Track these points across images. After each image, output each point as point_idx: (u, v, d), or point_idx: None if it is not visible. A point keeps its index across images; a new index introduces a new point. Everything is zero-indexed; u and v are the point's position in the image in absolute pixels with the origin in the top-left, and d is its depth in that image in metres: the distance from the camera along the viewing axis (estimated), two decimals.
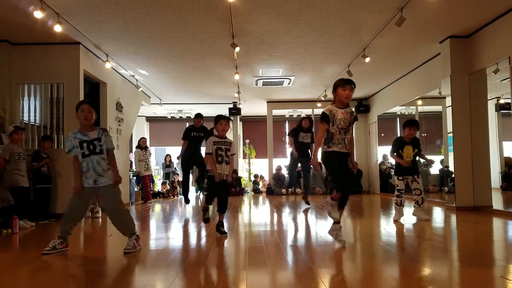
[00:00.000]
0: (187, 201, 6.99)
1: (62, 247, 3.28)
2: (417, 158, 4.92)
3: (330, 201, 3.32)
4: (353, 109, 3.34)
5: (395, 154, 4.84)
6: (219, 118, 3.85)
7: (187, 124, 13.23)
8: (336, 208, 3.31)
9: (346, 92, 3.23)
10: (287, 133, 7.30)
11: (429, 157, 5.50)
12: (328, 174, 3.57)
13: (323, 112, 3.30)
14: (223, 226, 3.94)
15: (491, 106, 8.00)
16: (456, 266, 2.72)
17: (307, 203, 6.80)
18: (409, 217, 4.94)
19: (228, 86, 8.96)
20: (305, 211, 6.19)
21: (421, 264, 2.73)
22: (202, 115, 7.01)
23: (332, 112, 3.28)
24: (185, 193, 7.00)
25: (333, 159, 3.28)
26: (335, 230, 3.34)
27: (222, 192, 3.94)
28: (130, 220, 3.41)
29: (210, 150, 3.83)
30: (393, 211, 4.99)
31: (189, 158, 6.79)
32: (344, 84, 3.24)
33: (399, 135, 4.95)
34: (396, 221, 4.71)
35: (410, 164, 4.70)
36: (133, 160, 9.81)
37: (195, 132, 6.87)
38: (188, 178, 7.01)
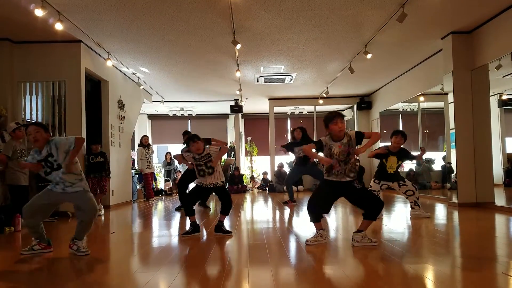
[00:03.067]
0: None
1: (40, 248, 3.16)
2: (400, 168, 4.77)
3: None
4: (350, 134, 3.21)
5: (374, 156, 4.71)
6: (190, 140, 3.84)
7: (189, 122, 13.27)
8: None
9: (338, 126, 3.15)
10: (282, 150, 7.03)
11: (431, 153, 5.47)
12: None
13: (319, 140, 3.29)
14: (224, 225, 3.93)
15: (493, 102, 7.95)
16: (458, 262, 2.72)
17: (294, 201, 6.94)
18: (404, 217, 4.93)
19: (229, 83, 8.95)
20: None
21: (424, 261, 2.73)
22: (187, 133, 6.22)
23: (328, 146, 3.22)
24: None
25: (326, 187, 3.29)
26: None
27: (221, 197, 3.96)
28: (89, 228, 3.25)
29: (190, 161, 3.89)
30: (395, 208, 4.97)
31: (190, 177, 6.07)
32: (333, 119, 3.17)
33: (387, 144, 4.76)
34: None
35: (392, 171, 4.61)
36: (135, 158, 9.83)
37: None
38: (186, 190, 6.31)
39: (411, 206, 4.82)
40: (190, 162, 3.91)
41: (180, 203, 6.41)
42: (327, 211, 3.37)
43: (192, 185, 6.58)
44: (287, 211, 6.11)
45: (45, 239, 3.22)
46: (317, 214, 3.32)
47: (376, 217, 3.25)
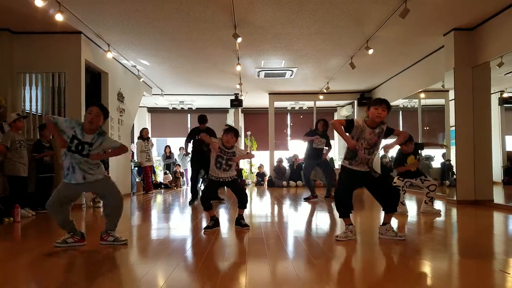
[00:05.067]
0: (192, 201, 6.35)
1: (74, 241, 3.11)
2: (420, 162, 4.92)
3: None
4: (384, 126, 3.18)
5: (399, 166, 4.80)
6: (227, 130, 3.84)
7: (189, 116, 13.25)
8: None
9: (378, 111, 3.09)
10: (304, 135, 6.83)
11: (430, 151, 5.47)
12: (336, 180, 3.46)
13: (352, 119, 3.21)
14: (243, 218, 3.95)
15: (494, 99, 7.96)
16: (456, 259, 2.72)
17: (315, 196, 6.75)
18: (412, 211, 4.94)
19: (229, 77, 8.92)
20: (311, 202, 6.22)
21: (422, 257, 2.73)
22: (206, 119, 6.33)
23: (361, 128, 3.15)
24: (193, 195, 6.42)
25: (348, 176, 3.23)
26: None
27: (236, 191, 3.95)
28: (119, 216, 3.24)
29: (212, 147, 3.81)
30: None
31: (197, 161, 6.35)
32: (376, 104, 3.12)
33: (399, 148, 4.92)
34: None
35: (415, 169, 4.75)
36: (134, 150, 9.82)
37: (199, 134, 6.23)
38: (197, 181, 6.63)
39: (425, 201, 4.87)
40: (211, 147, 3.80)
41: (191, 196, 6.42)
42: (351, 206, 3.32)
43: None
44: (286, 206, 6.12)
45: (78, 232, 3.16)
46: (346, 209, 3.27)
47: (396, 208, 3.27)
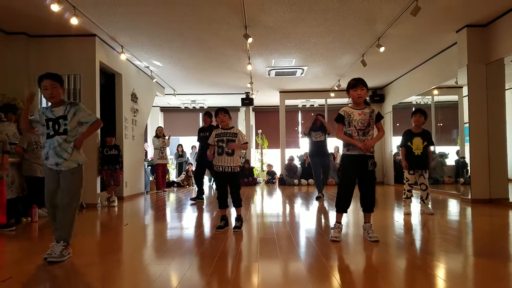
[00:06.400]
0: (195, 199, 6.52)
1: (68, 253, 2.80)
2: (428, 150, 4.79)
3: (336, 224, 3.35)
4: (374, 108, 3.30)
5: (403, 147, 4.76)
6: (215, 114, 3.87)
7: (200, 115, 13.34)
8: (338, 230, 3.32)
9: (357, 92, 3.21)
10: (301, 132, 6.96)
11: (444, 148, 5.35)
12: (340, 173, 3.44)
13: (338, 113, 3.32)
14: (238, 220, 3.92)
15: (509, 96, 7.80)
16: (470, 260, 2.71)
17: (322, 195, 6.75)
18: (417, 211, 4.90)
19: (241, 76, 8.96)
20: (320, 200, 6.23)
21: (435, 258, 2.73)
22: (210, 113, 6.26)
23: (348, 113, 3.26)
24: (199, 192, 6.52)
25: (347, 164, 3.26)
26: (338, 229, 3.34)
27: (230, 186, 3.87)
28: (73, 224, 2.86)
29: (211, 142, 3.85)
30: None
31: (202, 160, 6.34)
32: (353, 86, 3.23)
33: (409, 128, 4.86)
34: (407, 214, 4.70)
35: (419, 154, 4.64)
36: (148, 150, 9.95)
37: (202, 132, 6.38)
38: (202, 178, 6.67)
39: (421, 200, 4.80)
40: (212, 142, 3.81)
41: (197, 194, 6.55)
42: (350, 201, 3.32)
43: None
44: (297, 205, 6.14)
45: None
46: (346, 203, 3.27)
47: (373, 209, 3.30)
